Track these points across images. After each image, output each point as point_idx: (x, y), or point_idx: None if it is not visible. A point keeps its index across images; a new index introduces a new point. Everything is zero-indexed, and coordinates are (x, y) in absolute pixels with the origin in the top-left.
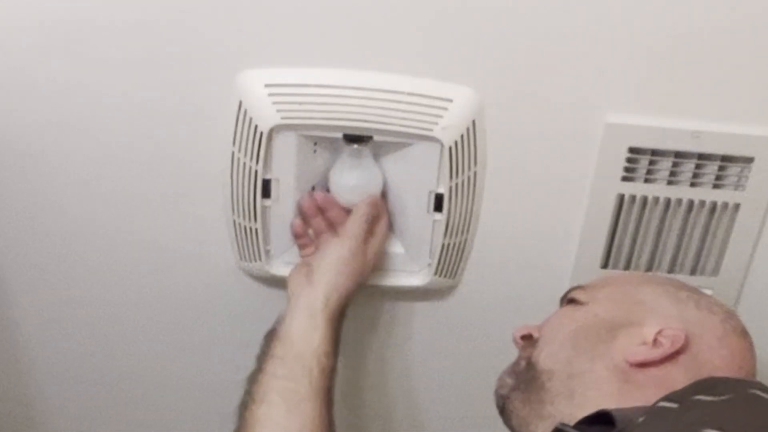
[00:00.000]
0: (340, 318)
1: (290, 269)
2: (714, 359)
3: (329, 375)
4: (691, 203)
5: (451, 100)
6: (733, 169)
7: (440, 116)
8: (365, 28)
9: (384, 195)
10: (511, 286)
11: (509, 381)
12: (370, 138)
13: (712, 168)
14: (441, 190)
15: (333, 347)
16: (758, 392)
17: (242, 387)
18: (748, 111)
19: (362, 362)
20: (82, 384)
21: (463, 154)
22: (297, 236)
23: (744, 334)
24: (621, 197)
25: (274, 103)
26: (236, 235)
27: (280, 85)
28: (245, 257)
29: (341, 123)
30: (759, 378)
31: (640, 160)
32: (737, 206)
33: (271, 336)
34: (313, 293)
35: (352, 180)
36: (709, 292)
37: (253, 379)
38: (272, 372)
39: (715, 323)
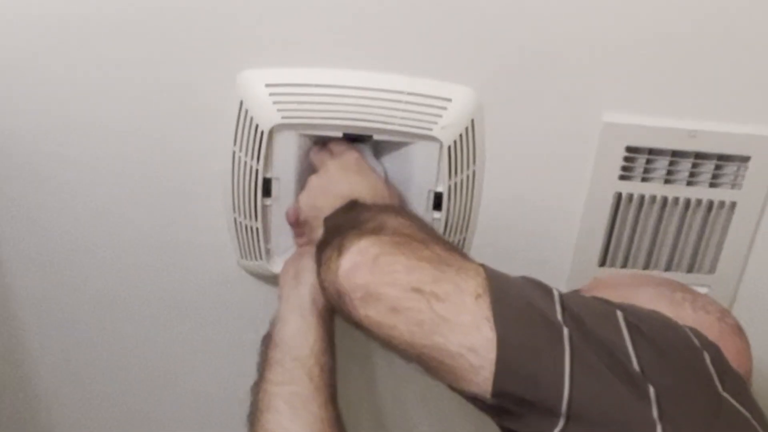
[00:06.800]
0: (331, 314)
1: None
2: None
3: (329, 372)
4: (687, 202)
5: (450, 100)
6: (729, 168)
7: (439, 116)
8: (365, 28)
9: None
10: None
11: None
12: (369, 137)
13: (708, 167)
14: (440, 188)
15: (329, 344)
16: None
17: (242, 383)
18: (745, 110)
19: (359, 361)
20: (82, 379)
21: (462, 153)
22: (292, 224)
23: (739, 331)
24: (618, 196)
25: (275, 102)
26: (237, 233)
27: (281, 85)
28: (246, 255)
29: (341, 122)
30: (756, 375)
31: (638, 159)
32: (733, 205)
33: (267, 341)
34: (300, 294)
35: None
36: (705, 289)
37: (257, 388)
38: (273, 379)
39: (711, 322)
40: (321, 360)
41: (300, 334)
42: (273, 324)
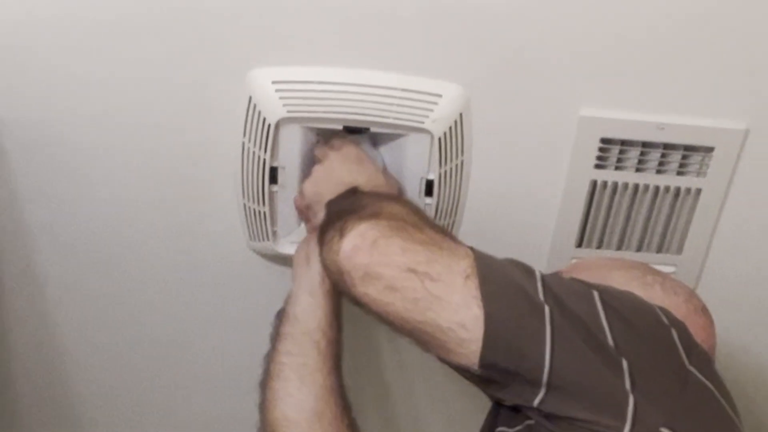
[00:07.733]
0: (339, 292)
1: (295, 248)
2: None
3: (335, 344)
4: (657, 189)
5: (440, 96)
6: (695, 158)
7: (431, 110)
8: (363, 30)
9: None
10: None
11: None
12: (367, 129)
13: (676, 157)
14: (431, 176)
15: (335, 319)
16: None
17: (251, 354)
18: (709, 105)
19: (354, 347)
20: (105, 353)
21: (451, 144)
22: (299, 211)
23: (704, 311)
24: (594, 183)
25: (281, 98)
26: (246, 217)
27: (287, 82)
28: (254, 237)
29: (341, 116)
30: (718, 350)
31: (611, 150)
32: (699, 191)
33: (280, 316)
34: (311, 274)
35: None
36: (672, 269)
37: (269, 357)
38: (284, 350)
39: (678, 303)
40: (328, 333)
41: (310, 311)
42: (286, 301)
